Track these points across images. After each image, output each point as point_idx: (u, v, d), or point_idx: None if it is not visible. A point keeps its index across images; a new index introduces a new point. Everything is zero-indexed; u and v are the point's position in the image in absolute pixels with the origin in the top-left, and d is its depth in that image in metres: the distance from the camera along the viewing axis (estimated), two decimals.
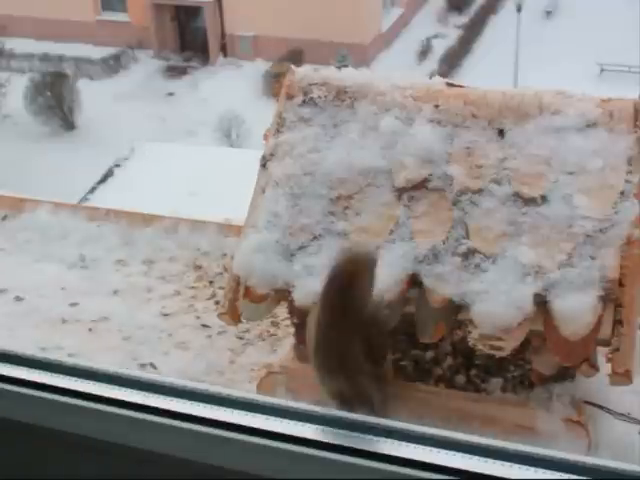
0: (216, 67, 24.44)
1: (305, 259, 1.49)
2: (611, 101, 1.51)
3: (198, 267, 2.14)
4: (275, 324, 1.91)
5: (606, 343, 1.36)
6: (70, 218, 2.27)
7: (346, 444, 1.01)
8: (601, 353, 1.41)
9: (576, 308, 1.33)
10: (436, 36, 24.58)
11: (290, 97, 1.65)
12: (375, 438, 1.01)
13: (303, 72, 1.69)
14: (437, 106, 1.56)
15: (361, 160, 1.55)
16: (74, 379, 1.14)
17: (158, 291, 2.06)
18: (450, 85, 1.63)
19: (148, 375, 1.18)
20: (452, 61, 22.88)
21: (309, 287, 1.46)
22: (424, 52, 23.89)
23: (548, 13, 25.19)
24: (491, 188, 1.46)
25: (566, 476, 0.93)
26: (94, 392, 1.11)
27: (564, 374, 1.46)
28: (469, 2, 25.83)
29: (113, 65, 23.34)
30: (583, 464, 0.94)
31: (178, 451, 1.08)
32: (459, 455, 0.97)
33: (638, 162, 1.45)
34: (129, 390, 1.11)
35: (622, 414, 1.46)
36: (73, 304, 2.01)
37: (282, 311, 1.80)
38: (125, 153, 14.59)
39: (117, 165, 14.43)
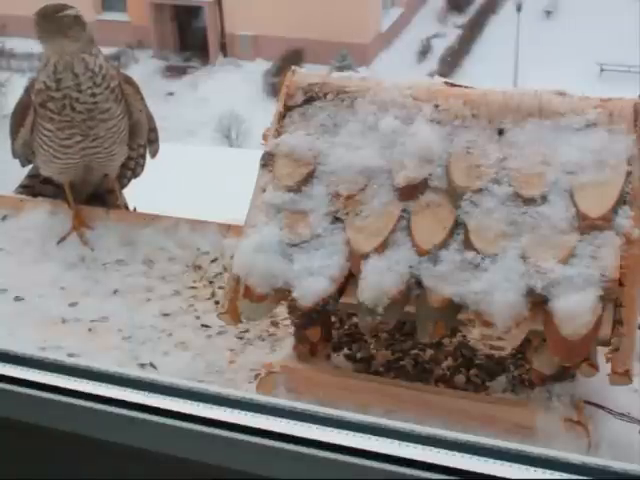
0: (216, 67, 24.44)
1: (305, 259, 1.49)
2: (611, 101, 1.51)
3: (198, 267, 2.14)
4: (275, 324, 1.90)
5: (606, 343, 1.36)
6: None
7: (346, 444, 1.01)
8: (601, 353, 1.41)
9: (576, 308, 1.33)
10: (436, 36, 24.58)
11: (290, 97, 1.65)
12: (375, 438, 1.01)
13: (303, 72, 1.69)
14: (437, 106, 1.57)
15: (361, 160, 1.55)
16: (74, 379, 1.14)
17: (158, 291, 2.06)
18: (450, 85, 1.63)
19: (148, 375, 1.18)
20: (452, 61, 22.89)
21: (309, 287, 1.46)
22: (424, 52, 23.89)
23: (548, 13, 25.20)
24: (491, 188, 1.47)
25: (566, 476, 0.93)
26: (94, 392, 1.11)
27: (564, 374, 1.46)
28: (469, 2, 25.83)
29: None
30: (583, 464, 0.94)
31: (178, 451, 1.08)
32: (459, 455, 0.97)
33: (638, 162, 1.45)
34: (129, 390, 1.12)
35: (622, 414, 1.46)
36: (73, 304, 2.01)
37: (282, 311, 1.80)
38: None
39: None
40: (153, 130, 2.33)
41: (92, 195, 2.38)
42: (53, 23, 2.08)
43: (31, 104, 2.18)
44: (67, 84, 2.11)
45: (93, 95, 2.12)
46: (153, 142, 2.35)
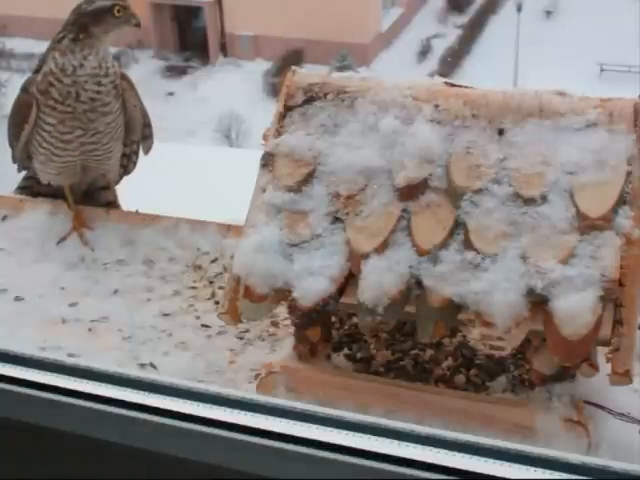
0: (216, 67, 24.44)
1: (305, 259, 1.49)
2: (611, 101, 1.51)
3: (198, 267, 2.14)
4: (275, 324, 1.91)
5: (606, 343, 1.36)
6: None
7: (346, 444, 1.01)
8: (601, 353, 1.41)
9: (576, 308, 1.33)
10: (436, 36, 24.59)
11: (290, 97, 1.65)
12: (375, 438, 1.01)
13: (303, 72, 1.69)
14: (437, 106, 1.57)
15: (361, 160, 1.55)
16: (74, 379, 1.14)
17: (158, 291, 2.06)
18: (450, 85, 1.63)
19: (148, 375, 1.18)
20: (452, 61, 22.90)
21: (309, 287, 1.46)
22: (424, 52, 23.90)
23: (548, 13, 25.21)
24: (491, 188, 1.47)
25: (566, 476, 0.93)
26: (94, 392, 1.11)
27: (564, 374, 1.46)
28: (469, 2, 25.84)
29: None
30: (583, 464, 0.94)
31: (178, 451, 1.08)
32: (459, 455, 0.97)
33: (638, 162, 1.45)
34: (129, 390, 1.12)
35: (622, 414, 1.46)
36: (73, 304, 2.01)
37: (282, 311, 1.80)
38: None
39: None
40: (148, 126, 2.34)
41: (84, 192, 2.38)
42: (120, 16, 2.11)
43: (33, 101, 2.18)
44: (85, 71, 2.12)
45: (99, 84, 2.14)
46: (147, 138, 2.36)
